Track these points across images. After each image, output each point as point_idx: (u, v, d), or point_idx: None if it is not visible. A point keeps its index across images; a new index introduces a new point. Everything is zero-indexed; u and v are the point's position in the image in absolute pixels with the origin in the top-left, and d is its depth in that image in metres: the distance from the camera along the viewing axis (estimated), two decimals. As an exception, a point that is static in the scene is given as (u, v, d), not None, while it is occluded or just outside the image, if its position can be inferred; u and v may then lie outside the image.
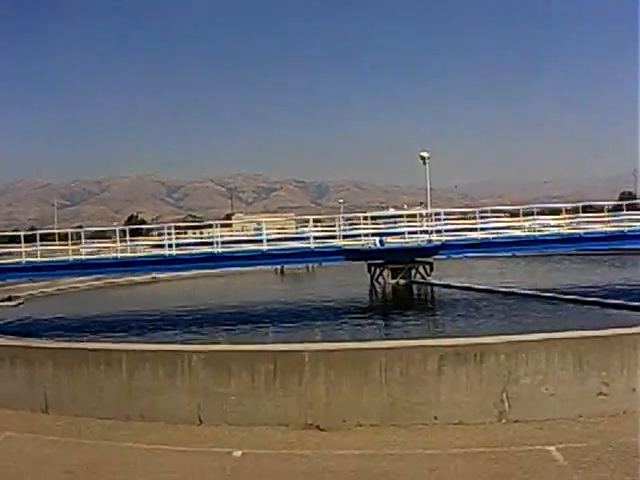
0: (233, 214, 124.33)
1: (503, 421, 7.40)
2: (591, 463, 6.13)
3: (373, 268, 29.62)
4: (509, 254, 30.28)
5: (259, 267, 31.77)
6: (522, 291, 24.29)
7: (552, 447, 6.58)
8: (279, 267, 41.92)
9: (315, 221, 32.13)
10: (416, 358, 7.46)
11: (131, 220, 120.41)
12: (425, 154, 34.78)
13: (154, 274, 37.44)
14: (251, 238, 29.63)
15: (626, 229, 28.00)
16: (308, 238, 27.83)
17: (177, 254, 27.22)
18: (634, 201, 48.03)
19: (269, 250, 27.45)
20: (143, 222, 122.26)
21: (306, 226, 33.29)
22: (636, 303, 19.97)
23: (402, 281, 28.22)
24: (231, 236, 32.52)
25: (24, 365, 8.72)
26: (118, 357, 8.10)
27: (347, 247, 27.67)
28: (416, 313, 22.85)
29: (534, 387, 7.40)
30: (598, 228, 28.38)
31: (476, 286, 25.87)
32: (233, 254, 27.46)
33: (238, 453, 6.73)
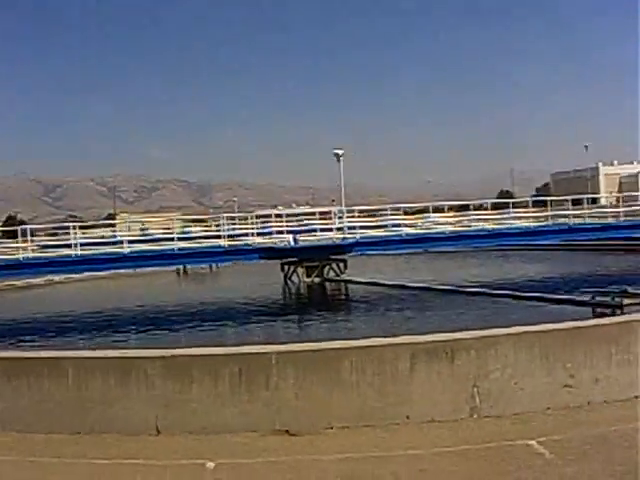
0: (116, 214, 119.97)
1: (475, 417, 7.33)
2: (578, 455, 6.13)
3: (287, 267, 29.29)
4: (421, 250, 30.92)
5: (168, 267, 30.50)
6: (438, 286, 24.88)
7: (532, 441, 6.53)
8: (181, 267, 40.71)
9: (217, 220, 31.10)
10: (387, 357, 7.25)
11: (8, 221, 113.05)
12: (339, 151, 34.84)
13: (49, 276, 35.32)
14: (161, 236, 28.33)
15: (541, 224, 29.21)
16: (221, 237, 27.10)
17: (84, 254, 25.72)
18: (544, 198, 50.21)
19: (181, 249, 26.46)
20: (23, 222, 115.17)
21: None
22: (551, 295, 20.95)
23: (317, 279, 28.09)
24: (142, 235, 30.88)
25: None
26: (64, 366, 7.37)
27: (261, 245, 27.20)
28: (334, 311, 22.81)
29: (504, 381, 7.38)
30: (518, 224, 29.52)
31: (392, 282, 26.13)
32: (143, 254, 26.30)
33: (211, 465, 6.24)
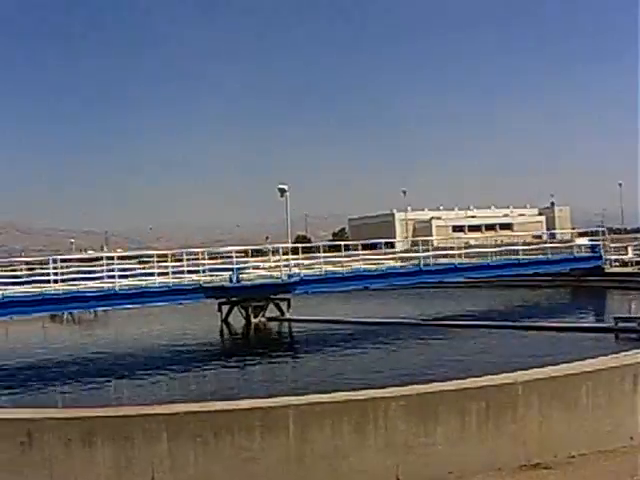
0: None
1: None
2: None
3: (227, 307, 27.82)
4: (361, 287, 30.93)
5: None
6: (392, 320, 25.24)
7: None
8: (66, 313, 36.87)
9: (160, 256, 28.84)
10: (615, 379, 7.21)
11: None
12: (284, 186, 33.96)
13: None
14: (99, 275, 25.44)
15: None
16: (167, 273, 25.14)
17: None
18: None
19: (122, 289, 24.16)
20: None
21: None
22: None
23: (263, 319, 27.09)
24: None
25: (112, 441, 6.43)
26: (282, 415, 6.43)
27: (207, 284, 25.70)
28: (297, 352, 22.01)
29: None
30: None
31: (350, 319, 25.86)
32: (76, 295, 23.70)
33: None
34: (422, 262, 29.83)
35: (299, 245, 30.56)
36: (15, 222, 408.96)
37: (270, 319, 27.11)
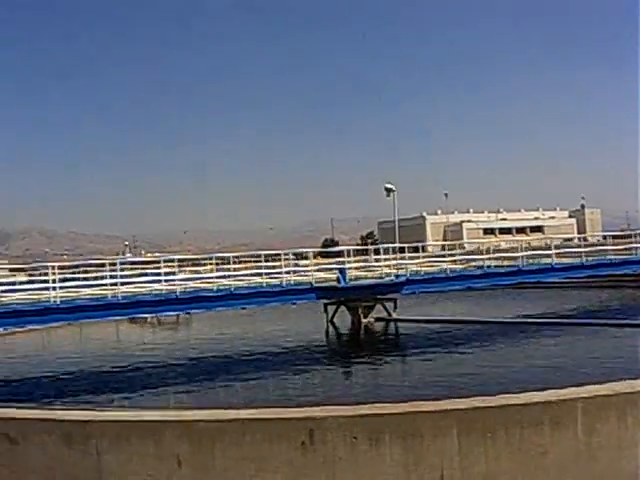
0: None
1: None
2: None
3: (334, 307, 28.32)
4: (463, 288, 31.26)
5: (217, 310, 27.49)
6: (503, 319, 25.65)
7: None
8: (152, 316, 37.50)
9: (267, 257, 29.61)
10: None
11: None
12: (391, 186, 34.52)
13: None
14: (216, 274, 26.22)
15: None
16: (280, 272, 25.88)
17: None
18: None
19: (238, 289, 24.89)
20: None
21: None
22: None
23: (371, 320, 27.55)
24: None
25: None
26: (571, 408, 6.72)
27: (319, 284, 26.30)
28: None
29: None
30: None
31: (466, 318, 26.27)
32: (198, 295, 24.54)
33: None
34: (522, 262, 30.10)
35: (397, 245, 30.83)
36: (37, 226, 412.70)
37: (377, 319, 27.56)
